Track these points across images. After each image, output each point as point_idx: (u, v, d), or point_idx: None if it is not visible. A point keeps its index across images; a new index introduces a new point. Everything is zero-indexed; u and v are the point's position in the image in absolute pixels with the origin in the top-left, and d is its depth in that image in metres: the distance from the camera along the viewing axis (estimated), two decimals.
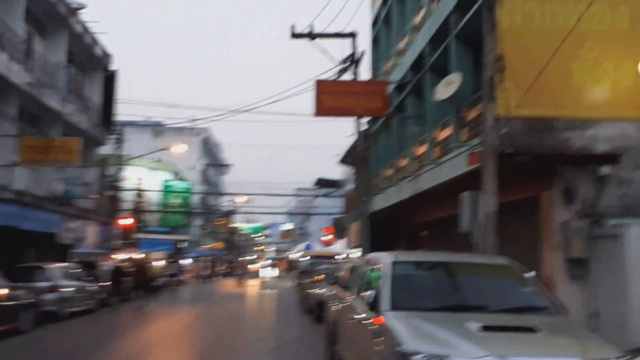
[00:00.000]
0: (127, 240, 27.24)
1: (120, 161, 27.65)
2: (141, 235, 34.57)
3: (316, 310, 15.84)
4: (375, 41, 23.16)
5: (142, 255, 24.33)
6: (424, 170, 14.85)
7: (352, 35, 18.91)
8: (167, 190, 44.48)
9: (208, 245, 57.15)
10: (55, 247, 20.60)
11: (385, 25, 21.62)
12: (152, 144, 45.25)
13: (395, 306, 5.80)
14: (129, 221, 28.19)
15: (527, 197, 11.51)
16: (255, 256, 73.84)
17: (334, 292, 9.73)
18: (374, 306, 6.00)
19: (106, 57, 24.97)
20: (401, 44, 18.79)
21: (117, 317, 17.27)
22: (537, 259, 11.03)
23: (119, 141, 27.19)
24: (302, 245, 51.65)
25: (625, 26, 11.04)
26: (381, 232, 20.68)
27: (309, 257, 32.96)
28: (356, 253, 24.85)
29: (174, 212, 44.72)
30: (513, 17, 10.78)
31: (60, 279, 16.21)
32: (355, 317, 6.86)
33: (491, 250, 9.33)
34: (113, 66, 25.76)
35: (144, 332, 14.18)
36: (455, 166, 12.19)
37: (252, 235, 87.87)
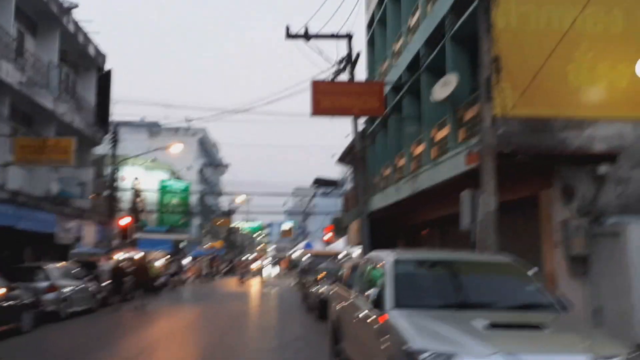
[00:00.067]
0: (126, 239, 27.22)
1: (116, 161, 27.63)
2: (140, 235, 34.56)
3: (318, 308, 15.90)
4: (371, 42, 23.23)
5: (143, 255, 24.31)
6: (422, 170, 14.95)
7: (347, 36, 18.98)
8: (164, 190, 44.47)
9: (207, 245, 57.15)
10: (54, 247, 20.59)
11: (380, 27, 21.70)
12: (148, 144, 45.24)
13: (399, 304, 5.82)
14: (127, 221, 28.16)
15: (526, 196, 11.61)
16: (255, 255, 73.80)
17: (336, 290, 9.80)
18: (377, 304, 6.02)
19: (100, 56, 24.91)
20: (397, 45, 18.88)
21: (118, 316, 17.28)
22: (538, 257, 11.14)
23: (115, 141, 27.17)
24: (302, 244, 51.70)
25: (619, 28, 11.16)
26: (381, 231, 20.76)
27: (309, 256, 33.05)
28: (357, 251, 24.96)
29: (173, 212, 44.71)
30: (509, 19, 10.89)
31: (59, 278, 16.22)
32: (359, 315, 6.91)
33: (492, 249, 9.44)
34: (109, 65, 25.78)
35: (144, 332, 14.18)
36: (454, 166, 12.29)
37: (252, 235, 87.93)
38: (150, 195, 41.27)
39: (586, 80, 11.00)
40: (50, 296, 15.38)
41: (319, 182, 34.69)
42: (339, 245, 36.36)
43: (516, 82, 10.30)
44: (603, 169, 10.43)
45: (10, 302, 12.81)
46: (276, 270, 57.47)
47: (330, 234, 42.56)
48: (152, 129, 51.80)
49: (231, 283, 40.53)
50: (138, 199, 36.27)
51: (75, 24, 22.28)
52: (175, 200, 45.64)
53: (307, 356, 10.81)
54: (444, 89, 12.61)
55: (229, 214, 63.31)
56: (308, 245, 46.31)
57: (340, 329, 8.22)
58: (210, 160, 63.99)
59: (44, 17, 20.27)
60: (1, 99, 17.37)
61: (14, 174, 17.90)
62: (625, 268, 9.51)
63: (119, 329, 14.77)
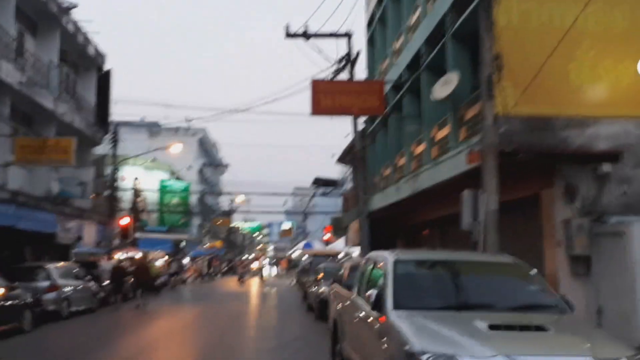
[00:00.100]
0: (126, 239, 27.20)
1: (116, 161, 27.62)
2: (140, 235, 34.54)
3: (318, 308, 15.89)
4: (371, 41, 23.19)
5: (143, 255, 24.30)
6: (423, 169, 14.90)
7: (347, 35, 18.94)
8: (164, 190, 44.45)
9: (207, 245, 57.15)
10: (55, 247, 20.59)
11: (380, 25, 21.66)
12: (148, 143, 45.22)
13: (399, 305, 5.77)
14: (127, 220, 28.15)
15: (527, 196, 11.56)
16: (255, 255, 73.88)
17: (336, 290, 9.76)
18: (377, 305, 5.97)
19: (100, 56, 24.88)
20: (397, 44, 18.83)
21: (118, 316, 17.28)
22: (540, 256, 11.08)
23: (115, 141, 27.15)
24: (301, 244, 51.69)
25: (622, 26, 11.07)
26: (381, 230, 20.73)
27: (308, 256, 33.07)
28: (356, 251, 24.95)
29: (173, 212, 44.70)
30: (510, 17, 10.81)
31: (60, 278, 16.20)
32: (359, 316, 6.88)
33: (493, 248, 9.39)
34: (109, 65, 25.76)
35: (144, 332, 14.18)
36: (454, 165, 12.24)
37: (252, 235, 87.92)
38: (151, 195, 41.24)
39: (588, 79, 10.92)
40: (50, 296, 15.39)
41: (319, 182, 34.65)
42: (339, 245, 36.35)
43: (517, 80, 10.25)
44: (605, 168, 10.37)
45: (11, 302, 12.80)
46: (276, 270, 57.45)
47: (329, 234, 42.56)
48: (152, 128, 51.78)
49: (231, 283, 40.51)
50: (138, 199, 36.23)
51: (75, 24, 22.25)
52: (175, 200, 45.63)
53: (306, 356, 10.77)
54: (444, 87, 12.56)
55: (228, 213, 63.31)
56: (308, 245, 46.29)
57: (340, 330, 8.19)
58: (210, 160, 63.97)
59: (43, 17, 20.25)
60: (1, 99, 17.35)
61: (15, 174, 17.88)
62: (627, 268, 9.45)
63: (119, 328, 14.77)
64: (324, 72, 19.09)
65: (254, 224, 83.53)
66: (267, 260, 74.78)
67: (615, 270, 9.72)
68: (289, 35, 18.25)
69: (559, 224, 10.54)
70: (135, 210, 33.53)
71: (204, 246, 55.99)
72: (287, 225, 76.14)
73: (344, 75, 18.59)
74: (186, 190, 46.90)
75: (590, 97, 10.93)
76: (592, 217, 10.18)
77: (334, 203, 44.48)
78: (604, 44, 10.99)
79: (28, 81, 18.09)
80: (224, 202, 65.03)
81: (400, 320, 5.44)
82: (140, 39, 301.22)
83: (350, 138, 21.87)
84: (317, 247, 43.12)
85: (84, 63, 24.26)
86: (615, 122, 10.77)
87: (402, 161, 17.63)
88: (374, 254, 7.88)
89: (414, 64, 16.26)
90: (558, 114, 10.70)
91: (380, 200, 20.17)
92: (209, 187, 61.59)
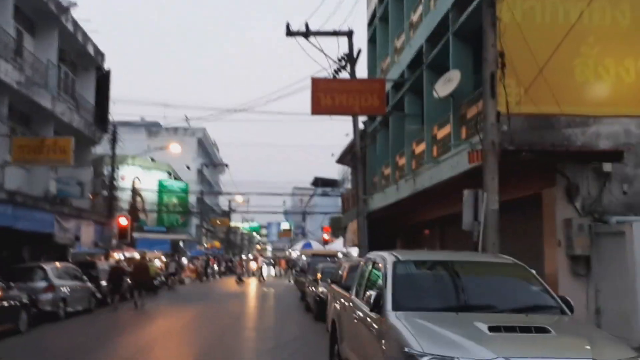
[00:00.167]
0: (125, 239, 27.09)
1: (115, 161, 27.54)
2: (138, 235, 34.45)
3: (315, 308, 15.81)
4: (372, 40, 23.08)
5: (141, 255, 24.18)
6: (423, 169, 14.80)
7: (348, 33, 18.83)
8: (163, 189, 44.38)
9: (206, 245, 57.09)
10: (53, 247, 20.51)
11: (381, 24, 21.55)
12: (147, 143, 45.17)
13: (398, 306, 5.70)
14: (126, 221, 28.05)
15: (529, 195, 11.47)
16: (254, 255, 73.85)
17: (334, 291, 9.67)
18: (376, 306, 5.90)
19: (99, 55, 24.77)
20: (398, 42, 18.73)
21: (116, 316, 17.19)
22: (540, 256, 10.99)
23: (114, 140, 27.06)
24: (300, 244, 51.62)
25: (627, 22, 10.97)
26: (380, 230, 20.64)
27: (307, 256, 32.98)
28: (355, 251, 24.86)
29: (171, 212, 44.63)
30: (513, 14, 10.68)
31: (56, 278, 16.08)
32: (358, 316, 6.79)
33: (493, 249, 9.29)
34: (109, 65, 25.72)
35: (143, 332, 14.12)
36: (455, 164, 12.14)
37: (252, 234, 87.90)
38: (149, 195, 41.17)
39: (592, 76, 10.83)
40: (48, 296, 15.28)
41: (318, 182, 34.60)
42: (338, 245, 36.29)
43: (520, 78, 10.16)
44: (607, 167, 10.27)
45: (6, 302, 12.68)
46: (274, 270, 57.33)
47: (328, 234, 42.51)
48: (151, 128, 51.76)
49: (229, 283, 40.38)
50: (137, 199, 36.15)
51: (74, 23, 22.15)
52: (174, 200, 45.56)
53: (305, 357, 10.72)
54: (446, 86, 12.46)
55: (228, 213, 63.27)
56: (307, 245, 46.19)
57: (339, 331, 8.11)
58: (209, 160, 63.91)
59: (42, 16, 20.15)
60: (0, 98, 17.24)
61: (12, 174, 17.79)
62: (627, 268, 9.37)
63: (117, 328, 14.70)
64: (325, 71, 19.03)
65: (253, 224, 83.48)
66: (266, 260, 74.77)
67: (616, 270, 9.64)
68: (290, 33, 18.15)
69: (559, 224, 10.45)
70: (134, 210, 33.43)
71: (203, 246, 55.93)
72: (286, 225, 76.09)
73: (344, 75, 18.50)
74: (185, 190, 46.82)
75: (593, 95, 10.84)
76: (593, 217, 10.09)
77: (333, 203, 44.44)
78: (608, 41, 10.90)
79: (26, 81, 18.00)
80: (223, 202, 64.99)
81: (400, 322, 5.37)
82: (140, 39, 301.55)
83: (350, 137, 21.80)
84: (316, 247, 43.03)
85: (82, 62, 24.16)
86: (617, 121, 10.68)
87: (402, 161, 17.53)
88: (373, 254, 7.78)
89: (416, 62, 16.16)
90: (561, 112, 10.59)
91: (379, 200, 20.07)
92: (208, 187, 61.54)
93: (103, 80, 25.15)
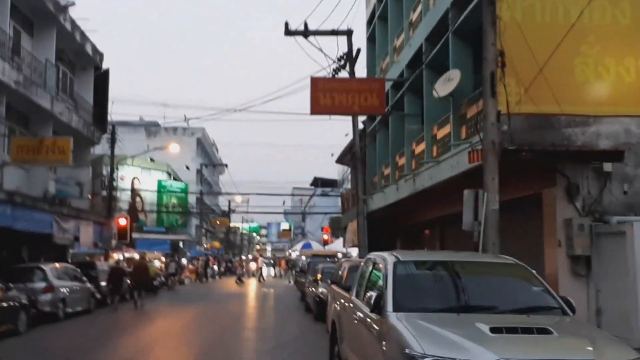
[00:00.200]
0: (124, 240, 27.06)
1: (114, 161, 27.50)
2: (138, 235, 34.41)
3: (315, 309, 15.79)
4: (371, 39, 23.05)
5: (141, 255, 24.17)
6: (423, 169, 14.77)
7: (347, 32, 18.79)
8: (162, 190, 44.34)
9: (206, 245, 57.05)
10: (52, 248, 20.47)
11: (381, 23, 21.52)
12: (147, 143, 45.13)
13: (399, 307, 5.66)
14: (125, 221, 28.01)
15: (529, 195, 11.44)
16: (253, 255, 73.85)
17: (334, 291, 9.64)
18: (377, 307, 5.86)
19: (97, 55, 24.70)
20: (398, 41, 18.70)
21: (116, 317, 17.17)
22: (540, 256, 10.96)
23: (113, 141, 27.02)
24: (300, 245, 51.60)
25: (627, 22, 10.94)
26: (380, 230, 20.61)
27: (307, 256, 32.96)
28: (355, 252, 24.84)
29: (171, 212, 44.59)
30: (513, 12, 10.66)
31: (56, 279, 16.05)
32: (359, 317, 6.76)
33: (494, 249, 9.26)
34: (109, 65, 25.66)
35: (143, 332, 14.10)
36: (455, 164, 12.11)
37: (251, 235, 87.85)
38: (149, 195, 41.13)
39: (592, 76, 10.80)
40: (47, 297, 15.25)
41: (318, 182, 34.55)
42: (338, 245, 36.27)
43: (520, 77, 10.13)
44: (608, 167, 10.24)
45: (5, 303, 12.65)
46: (274, 270, 57.35)
47: (327, 235, 42.48)
48: (151, 128, 51.72)
49: (229, 283, 40.35)
50: (136, 199, 36.12)
51: (72, 22, 22.08)
52: (173, 201, 45.52)
53: (305, 357, 10.70)
54: (446, 85, 12.43)
55: (227, 214, 63.24)
56: (306, 246, 46.19)
57: (339, 331, 8.08)
58: (209, 160, 63.87)
59: (40, 15, 20.09)
60: None
61: (11, 174, 17.75)
62: (628, 268, 9.34)
63: (117, 329, 14.69)
64: (324, 70, 18.99)
65: (253, 225, 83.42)
66: (266, 260, 74.77)
67: (616, 270, 9.61)
68: (288, 33, 18.11)
69: (559, 224, 10.42)
70: (133, 211, 33.38)
71: (203, 246, 55.89)
72: (285, 226, 76.03)
73: (344, 74, 18.45)
74: (184, 190, 46.77)
75: (593, 94, 10.82)
76: (594, 217, 10.07)
77: (332, 203, 44.41)
78: (609, 41, 10.87)
79: (24, 80, 17.94)
80: (222, 202, 64.96)
81: (400, 323, 5.34)
82: (140, 39, 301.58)
83: (349, 137, 21.76)
84: (316, 247, 43.02)
85: (81, 62, 24.10)
86: (618, 121, 10.65)
87: (402, 160, 17.50)
88: (373, 255, 7.75)
89: (415, 61, 16.13)
90: (561, 112, 10.56)
91: (379, 200, 20.03)
92: (207, 187, 61.50)
93: (102, 80, 25.09)
